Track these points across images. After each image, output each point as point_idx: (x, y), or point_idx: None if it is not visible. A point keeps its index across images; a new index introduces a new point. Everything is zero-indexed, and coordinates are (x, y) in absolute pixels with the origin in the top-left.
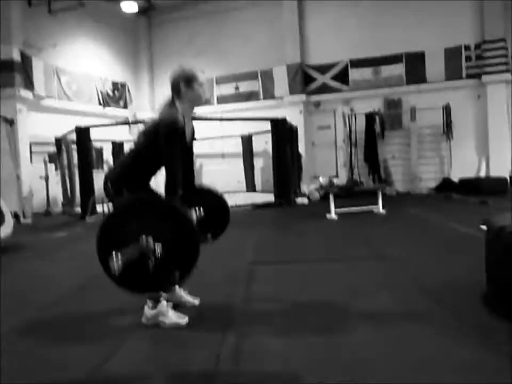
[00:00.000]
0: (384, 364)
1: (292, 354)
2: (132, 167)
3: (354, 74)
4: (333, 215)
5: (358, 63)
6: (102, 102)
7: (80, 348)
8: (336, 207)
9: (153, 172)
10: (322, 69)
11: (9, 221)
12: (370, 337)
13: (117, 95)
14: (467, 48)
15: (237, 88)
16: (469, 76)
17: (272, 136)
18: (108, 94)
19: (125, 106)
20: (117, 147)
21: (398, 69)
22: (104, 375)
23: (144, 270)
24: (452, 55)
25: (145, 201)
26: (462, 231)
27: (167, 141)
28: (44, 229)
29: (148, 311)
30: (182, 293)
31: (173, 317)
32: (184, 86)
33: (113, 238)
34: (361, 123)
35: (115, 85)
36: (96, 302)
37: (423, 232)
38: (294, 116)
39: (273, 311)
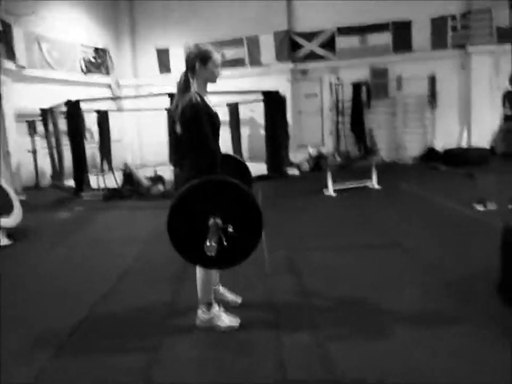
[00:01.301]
0: (430, 372)
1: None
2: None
3: (341, 42)
4: (330, 191)
5: (345, 31)
6: (84, 68)
7: (134, 350)
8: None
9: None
10: (310, 36)
11: (17, 208)
12: (410, 341)
13: (98, 61)
14: (453, 18)
15: (222, 55)
16: (454, 46)
17: (265, 108)
18: (89, 60)
19: (107, 73)
20: (102, 116)
21: (385, 37)
22: (166, 379)
23: (222, 248)
24: (438, 25)
25: (210, 182)
26: (459, 210)
27: (194, 123)
28: (42, 208)
29: (202, 315)
30: (226, 293)
31: (227, 320)
32: (199, 64)
33: (192, 228)
34: (348, 92)
35: (96, 51)
36: (136, 297)
37: (423, 211)
38: (281, 84)
39: (312, 307)
